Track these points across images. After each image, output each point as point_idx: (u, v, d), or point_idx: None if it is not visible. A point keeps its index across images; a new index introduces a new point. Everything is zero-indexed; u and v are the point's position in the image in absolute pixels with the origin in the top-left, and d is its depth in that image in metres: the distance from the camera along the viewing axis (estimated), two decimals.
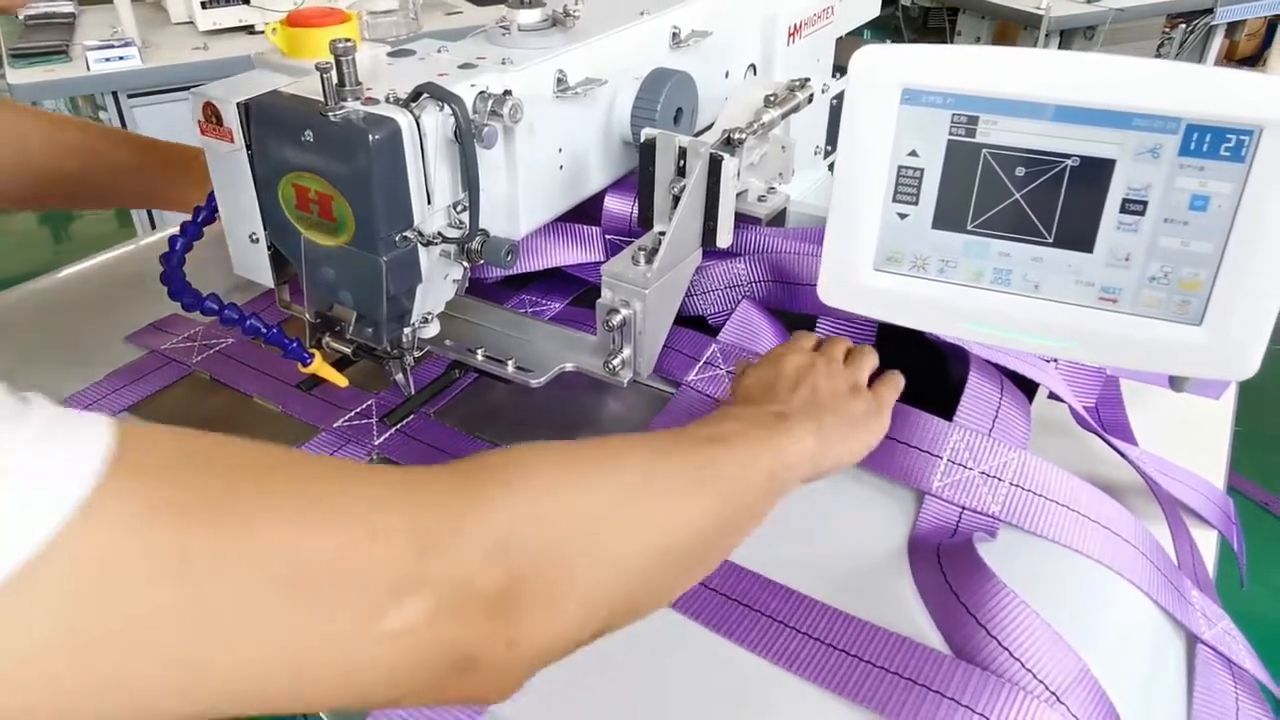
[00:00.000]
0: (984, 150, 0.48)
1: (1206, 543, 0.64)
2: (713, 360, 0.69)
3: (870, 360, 0.59)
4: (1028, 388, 0.70)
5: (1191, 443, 0.72)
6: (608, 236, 0.76)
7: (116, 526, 0.26)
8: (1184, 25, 2.38)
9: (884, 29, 3.69)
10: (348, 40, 0.51)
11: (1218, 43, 2.47)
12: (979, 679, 0.45)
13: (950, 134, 0.48)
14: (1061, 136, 0.46)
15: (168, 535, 0.27)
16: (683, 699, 0.48)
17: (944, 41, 2.96)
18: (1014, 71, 0.46)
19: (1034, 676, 0.45)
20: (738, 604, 0.51)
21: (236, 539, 0.28)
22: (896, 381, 0.59)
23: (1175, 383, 0.54)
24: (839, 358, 0.59)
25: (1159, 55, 2.43)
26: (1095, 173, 0.46)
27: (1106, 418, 0.63)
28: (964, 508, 0.56)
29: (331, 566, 0.30)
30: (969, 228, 0.50)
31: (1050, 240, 0.48)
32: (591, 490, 0.38)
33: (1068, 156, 0.47)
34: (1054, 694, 0.45)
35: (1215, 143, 0.44)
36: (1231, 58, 3.12)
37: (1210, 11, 2.31)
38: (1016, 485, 0.56)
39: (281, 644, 0.29)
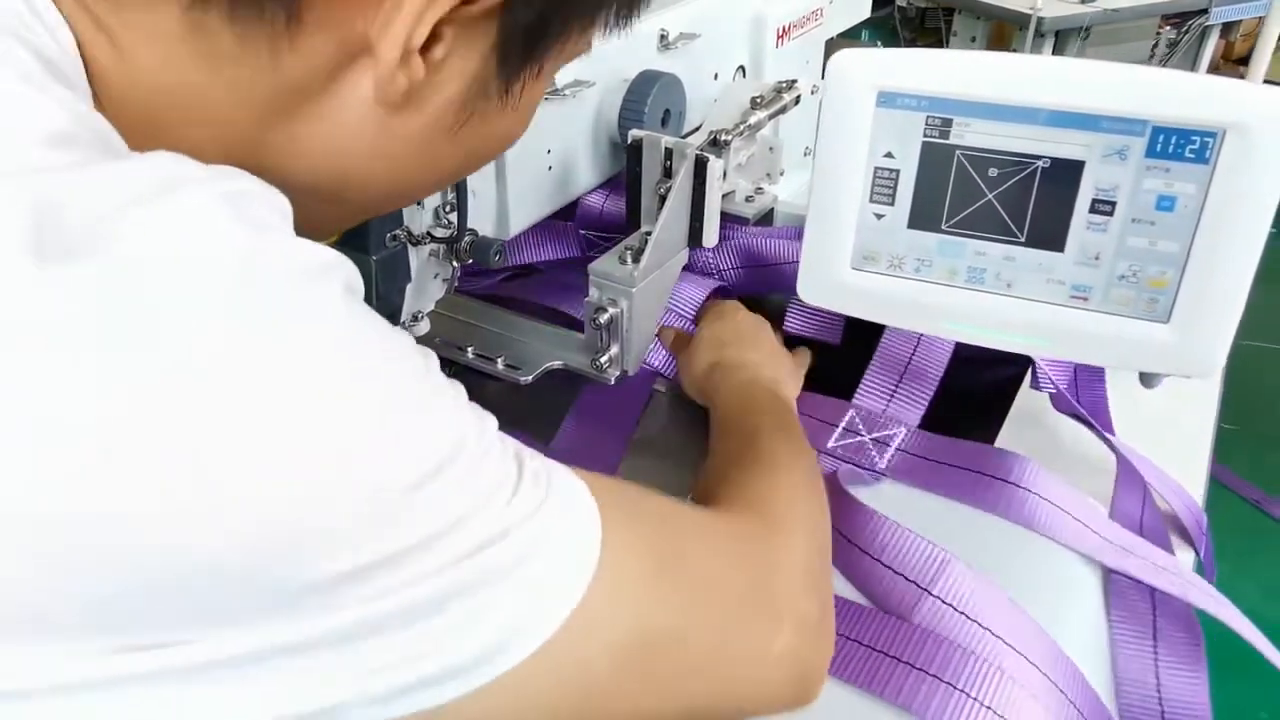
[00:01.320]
0: (958, 152, 0.49)
1: (1182, 558, 0.66)
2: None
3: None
4: (1010, 381, 0.71)
5: (1173, 439, 0.73)
6: (582, 231, 0.78)
7: (624, 580, 0.32)
8: (1178, 26, 2.40)
9: (881, 29, 3.70)
10: None
11: (1212, 43, 2.48)
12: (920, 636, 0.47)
13: (925, 136, 0.49)
14: (1032, 139, 0.48)
15: (654, 577, 0.34)
16: None
17: (940, 42, 2.97)
18: (986, 75, 0.48)
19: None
20: None
21: (688, 578, 0.36)
22: (808, 353, 0.72)
23: (1145, 379, 0.55)
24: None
25: (1153, 55, 2.44)
26: (1065, 174, 0.48)
27: (1085, 399, 0.65)
28: (854, 464, 0.61)
29: (744, 602, 0.39)
30: (944, 228, 0.51)
31: (1022, 240, 0.50)
32: (818, 522, 0.49)
33: (1039, 158, 0.48)
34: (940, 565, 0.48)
35: (1180, 145, 0.45)
36: (1228, 58, 3.13)
37: (1204, 12, 2.32)
38: (904, 451, 0.61)
39: (718, 658, 0.37)
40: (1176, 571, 0.52)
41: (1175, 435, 0.74)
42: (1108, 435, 0.61)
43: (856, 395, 0.65)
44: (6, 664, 0.23)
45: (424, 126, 0.35)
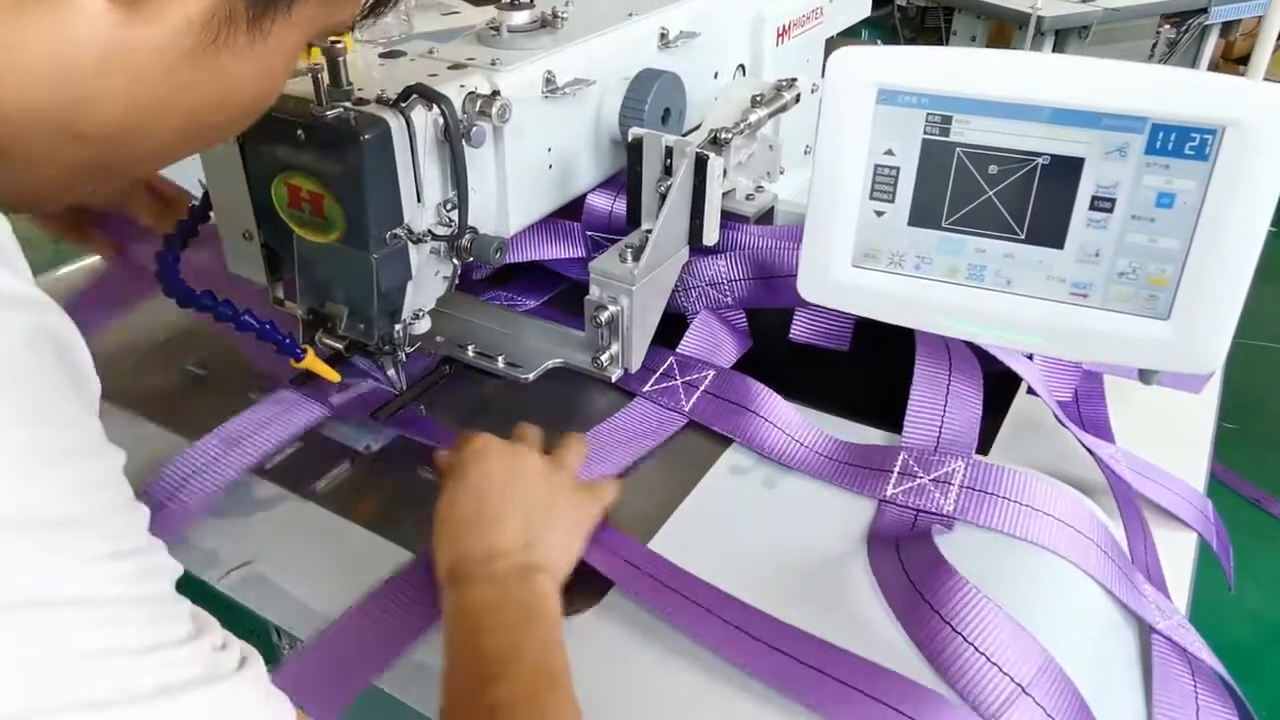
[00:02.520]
0: (958, 149, 0.49)
1: (1185, 544, 0.65)
2: (670, 372, 0.69)
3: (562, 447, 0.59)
4: (1007, 384, 0.71)
5: (1174, 439, 0.73)
6: (588, 233, 0.78)
7: None
8: (1178, 25, 2.40)
9: (881, 28, 3.70)
10: (339, 41, 0.53)
11: (1212, 42, 2.48)
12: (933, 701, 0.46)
13: (925, 133, 0.49)
14: (1032, 136, 0.48)
15: None
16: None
17: (940, 41, 2.97)
18: (986, 72, 0.48)
19: (999, 669, 0.46)
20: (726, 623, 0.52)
21: None
22: (579, 447, 0.60)
23: (1145, 376, 0.55)
24: (527, 450, 0.56)
25: (1152, 55, 2.44)
26: (1065, 171, 0.48)
27: (1087, 414, 0.65)
28: (918, 509, 0.57)
29: None
30: (944, 225, 0.51)
31: (1022, 237, 0.50)
32: None
33: (1039, 155, 0.48)
34: (1020, 686, 0.46)
35: (1180, 142, 0.45)
36: (1228, 57, 3.13)
37: (1204, 11, 2.32)
38: (968, 488, 0.56)
39: None
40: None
41: (1176, 434, 0.74)
42: (1110, 464, 0.60)
43: (905, 433, 0.61)
44: None
45: (161, 41, 0.31)
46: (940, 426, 0.59)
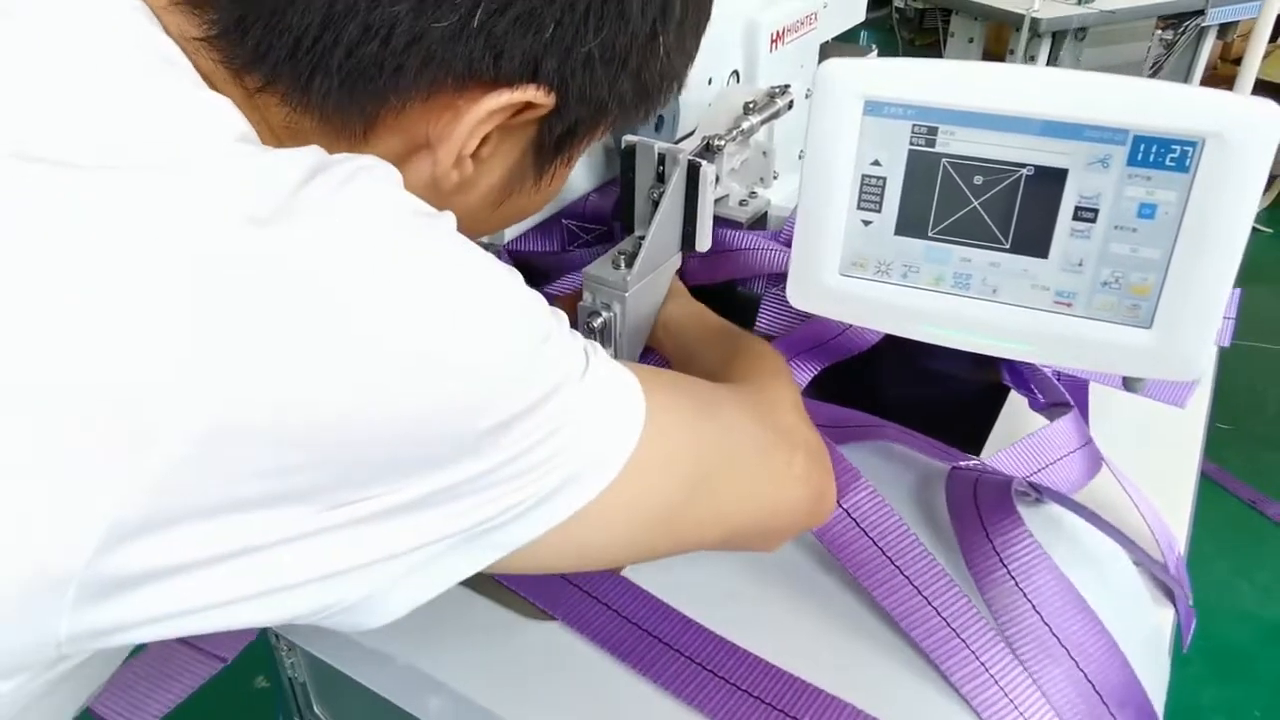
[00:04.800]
0: (943, 160, 0.50)
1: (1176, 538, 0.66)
2: None
3: None
4: (994, 397, 0.72)
5: (1163, 444, 0.74)
6: (564, 221, 0.78)
7: (672, 421, 0.41)
8: (1175, 27, 2.40)
9: (879, 29, 3.71)
10: None
11: (1209, 44, 2.48)
12: None
13: (911, 144, 0.50)
14: (1017, 147, 0.48)
15: (693, 423, 0.43)
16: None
17: (939, 43, 2.97)
18: (972, 85, 0.48)
19: (1042, 620, 0.48)
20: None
21: (721, 419, 0.46)
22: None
23: (1129, 384, 0.56)
24: None
25: (1149, 56, 2.44)
26: (1049, 182, 0.49)
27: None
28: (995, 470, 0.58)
29: (765, 436, 0.48)
30: (930, 234, 0.52)
31: (1007, 246, 0.51)
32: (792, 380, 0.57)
33: (1023, 166, 0.49)
34: (1059, 640, 0.47)
35: (1161, 153, 0.46)
36: (1226, 58, 3.13)
37: (1201, 13, 2.32)
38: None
39: (755, 480, 0.47)
40: None
41: (1166, 436, 0.74)
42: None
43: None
44: (253, 526, 0.30)
45: (469, 205, 0.43)
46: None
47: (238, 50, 0.36)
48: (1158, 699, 0.52)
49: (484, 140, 0.40)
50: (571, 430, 0.35)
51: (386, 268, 0.31)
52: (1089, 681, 0.48)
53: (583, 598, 0.55)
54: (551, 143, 0.43)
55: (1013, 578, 0.51)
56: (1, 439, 0.27)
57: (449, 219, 0.35)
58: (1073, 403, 0.63)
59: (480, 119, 0.38)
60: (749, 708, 0.49)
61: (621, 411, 0.38)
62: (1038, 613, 0.50)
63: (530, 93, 0.38)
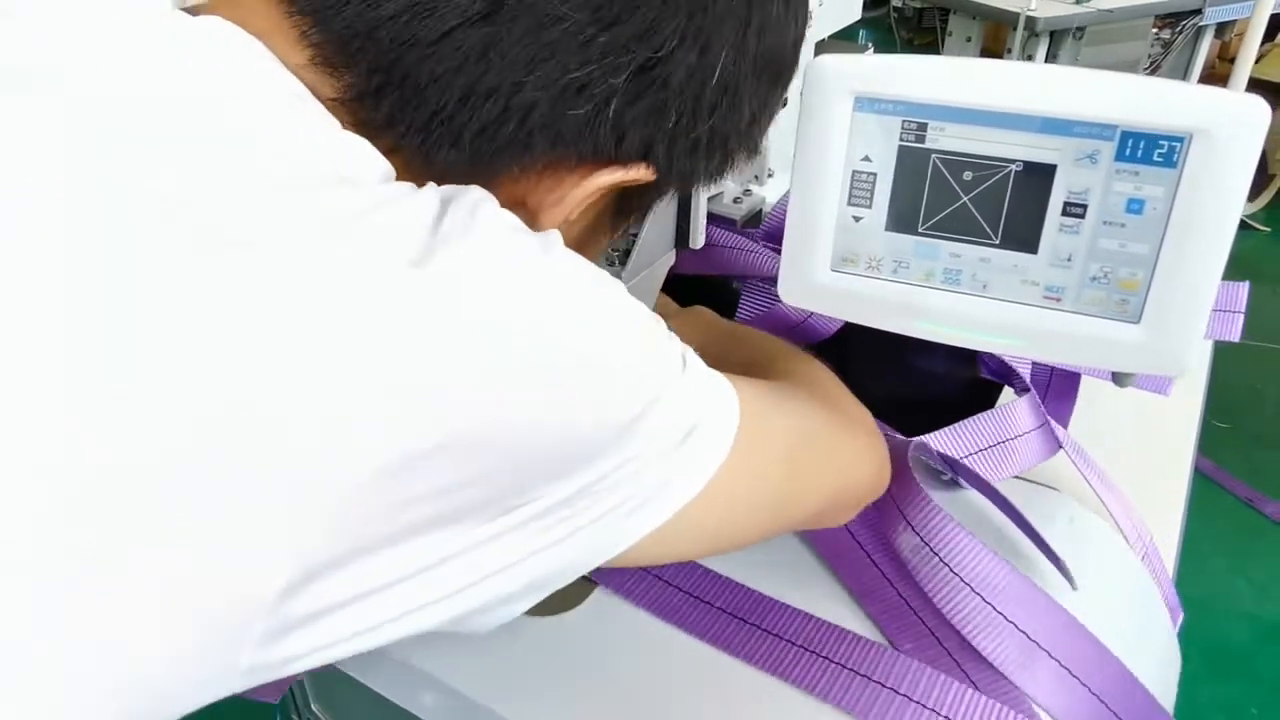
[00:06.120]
0: (933, 155, 0.50)
1: (1169, 534, 0.66)
2: None
3: None
4: (989, 389, 0.72)
5: (1157, 440, 0.74)
6: None
7: (762, 409, 0.45)
8: (1172, 26, 2.40)
9: (878, 28, 3.70)
10: None
11: (1207, 43, 2.48)
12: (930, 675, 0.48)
13: (901, 140, 0.50)
14: (1006, 142, 0.49)
15: (777, 406, 0.49)
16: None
17: (937, 42, 2.98)
18: (961, 80, 0.49)
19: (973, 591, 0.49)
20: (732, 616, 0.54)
21: (796, 402, 0.51)
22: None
23: (1118, 379, 0.56)
24: None
25: (1148, 56, 2.44)
26: (1038, 177, 0.49)
27: (1051, 409, 0.66)
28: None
29: (831, 416, 0.53)
30: (920, 230, 0.52)
31: (997, 242, 0.51)
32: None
33: (1012, 162, 0.49)
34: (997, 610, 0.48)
35: (1149, 149, 0.46)
36: (1224, 58, 3.13)
37: (1198, 12, 2.33)
38: None
39: (833, 456, 0.52)
40: None
41: (1160, 433, 0.75)
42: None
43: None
44: (421, 550, 0.32)
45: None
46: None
47: (372, 115, 0.37)
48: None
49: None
50: (682, 422, 0.38)
51: (526, 287, 0.33)
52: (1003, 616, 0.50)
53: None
54: (633, 205, 0.48)
55: (928, 546, 0.54)
56: (190, 484, 0.28)
57: (558, 235, 0.37)
58: (1029, 384, 0.65)
59: (589, 193, 0.41)
60: (795, 657, 0.50)
61: (720, 398, 0.42)
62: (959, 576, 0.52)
63: (639, 171, 0.41)
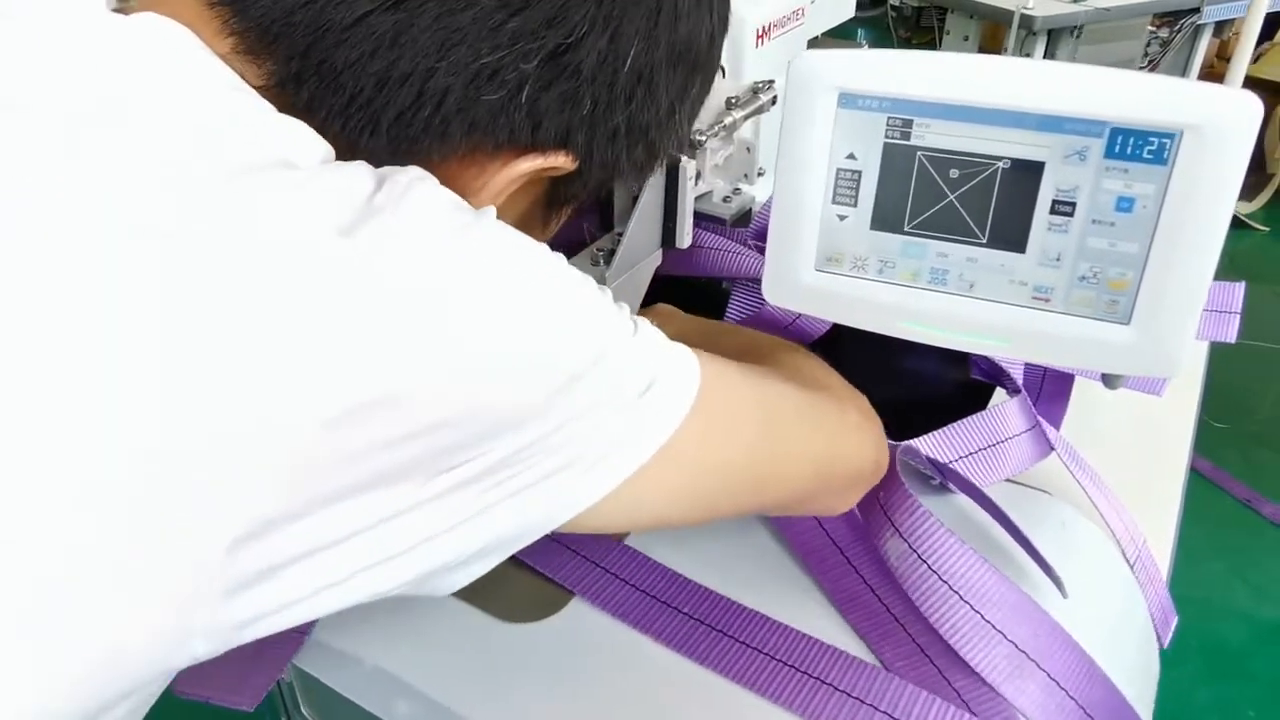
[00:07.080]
0: (919, 153, 0.49)
1: (1164, 532, 0.66)
2: None
3: None
4: (981, 391, 0.71)
5: (1152, 441, 0.73)
6: None
7: (721, 383, 0.44)
8: (1170, 25, 2.39)
9: (876, 28, 3.69)
10: None
11: (1205, 42, 2.47)
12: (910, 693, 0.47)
13: (886, 137, 0.49)
14: (992, 139, 0.48)
15: (745, 381, 0.47)
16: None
17: (936, 40, 2.97)
18: (947, 76, 0.48)
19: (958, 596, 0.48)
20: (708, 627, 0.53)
21: (768, 381, 0.49)
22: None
23: (1109, 380, 0.55)
24: None
25: (1146, 54, 2.43)
26: (1025, 175, 0.48)
27: (1042, 412, 0.65)
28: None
29: (812, 394, 0.51)
30: (906, 229, 0.51)
31: (984, 241, 0.50)
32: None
33: (999, 159, 0.48)
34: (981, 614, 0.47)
35: (1139, 146, 0.45)
36: (1223, 57, 3.12)
37: (1197, 11, 2.32)
38: None
39: (813, 432, 0.50)
40: None
41: (1155, 433, 0.74)
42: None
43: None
44: (367, 506, 0.33)
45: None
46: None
47: (293, 101, 0.38)
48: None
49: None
50: (633, 382, 0.38)
51: (452, 254, 0.34)
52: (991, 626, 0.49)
53: (598, 572, 0.55)
54: (562, 197, 0.48)
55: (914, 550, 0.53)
56: (135, 445, 0.29)
57: (492, 211, 0.38)
58: (1020, 386, 0.64)
59: (511, 179, 0.42)
60: (769, 669, 0.49)
61: (679, 360, 0.42)
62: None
63: (559, 159, 0.42)
